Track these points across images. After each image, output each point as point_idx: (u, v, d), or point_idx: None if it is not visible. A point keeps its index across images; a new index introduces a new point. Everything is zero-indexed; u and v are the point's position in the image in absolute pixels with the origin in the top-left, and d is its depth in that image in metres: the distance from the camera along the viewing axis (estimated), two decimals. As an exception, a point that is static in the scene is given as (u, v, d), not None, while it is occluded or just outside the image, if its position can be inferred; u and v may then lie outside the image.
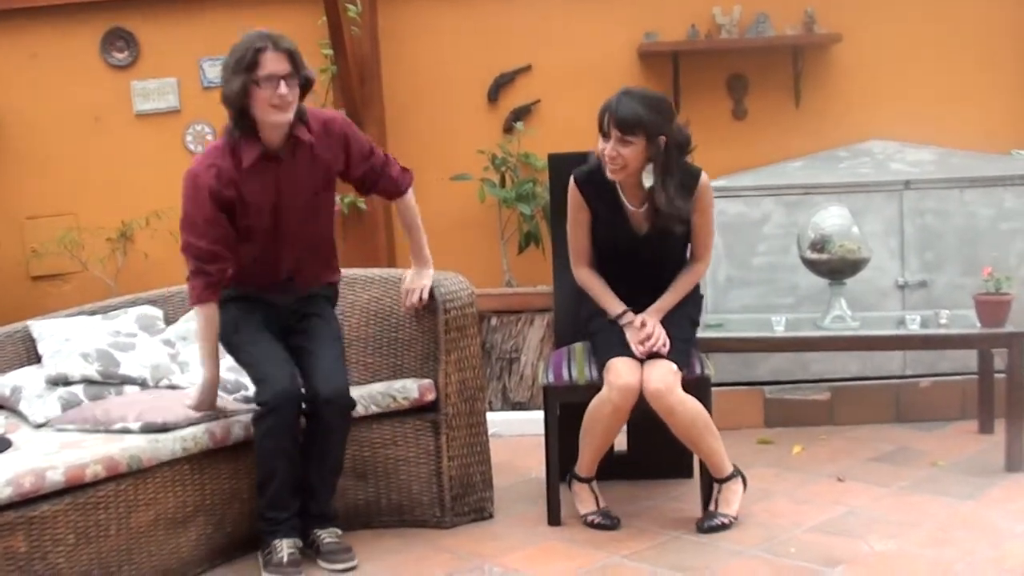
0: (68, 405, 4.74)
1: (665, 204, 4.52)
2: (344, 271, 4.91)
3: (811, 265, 5.49)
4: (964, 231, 6.22)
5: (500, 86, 7.00)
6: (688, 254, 4.81)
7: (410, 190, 4.91)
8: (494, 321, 6.63)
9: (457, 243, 6.92)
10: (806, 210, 5.82)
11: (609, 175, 4.58)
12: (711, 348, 5.26)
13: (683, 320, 4.72)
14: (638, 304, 4.68)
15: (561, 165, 5.31)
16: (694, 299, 4.84)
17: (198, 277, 4.39)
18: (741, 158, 6.71)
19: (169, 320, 5.40)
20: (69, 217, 7.11)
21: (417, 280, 4.85)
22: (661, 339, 4.53)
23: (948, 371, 6.22)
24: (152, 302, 5.47)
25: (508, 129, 6.93)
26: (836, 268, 5.43)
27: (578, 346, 4.97)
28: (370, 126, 6.83)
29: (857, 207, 5.86)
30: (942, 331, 5.38)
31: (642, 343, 4.53)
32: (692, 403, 4.50)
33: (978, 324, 5.34)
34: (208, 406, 4.50)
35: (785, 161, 6.70)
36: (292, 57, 4.32)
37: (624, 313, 4.67)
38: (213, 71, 7.03)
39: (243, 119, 4.31)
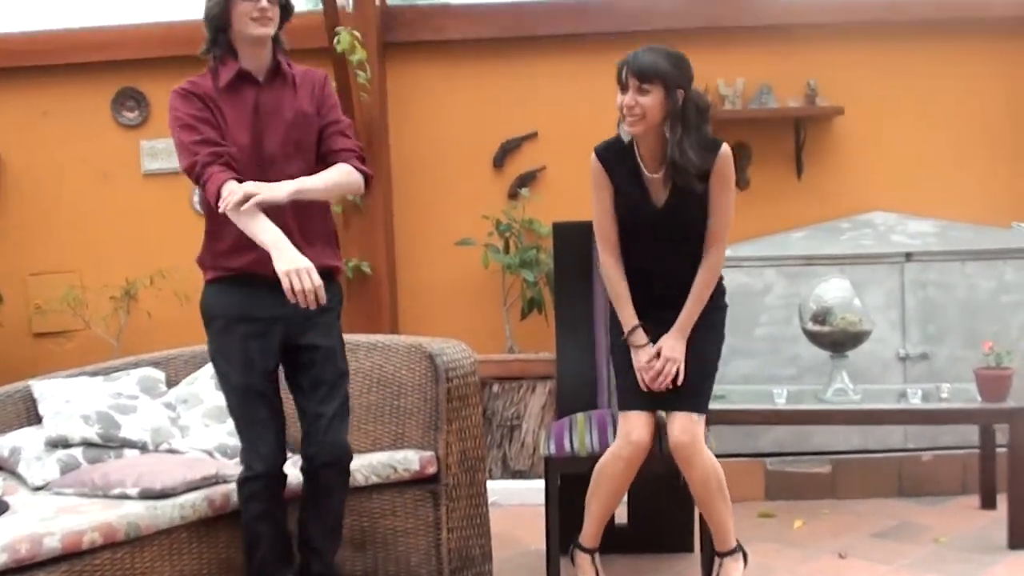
0: (67, 468, 4.72)
1: (679, 156, 4.44)
2: (347, 336, 4.89)
3: (813, 337, 5.50)
4: (965, 304, 6.24)
5: (506, 152, 7.05)
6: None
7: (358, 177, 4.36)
8: (496, 388, 6.63)
9: (460, 308, 6.95)
10: (808, 281, 5.83)
11: (627, 128, 4.51)
12: (712, 420, 5.24)
13: (706, 346, 4.63)
14: (661, 288, 4.62)
15: (565, 233, 5.33)
16: (717, 312, 4.71)
17: (207, 167, 4.05)
18: (743, 228, 6.72)
19: (171, 383, 5.39)
20: (73, 274, 7.12)
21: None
22: (671, 374, 4.49)
23: (950, 445, 6.22)
24: (155, 364, 5.47)
25: (513, 195, 6.96)
26: (838, 340, 5.45)
27: (580, 416, 4.97)
28: (377, 190, 6.86)
29: (859, 278, 5.87)
30: (944, 405, 5.39)
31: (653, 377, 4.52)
32: (712, 460, 4.50)
33: (979, 398, 5.34)
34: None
35: (787, 231, 6.73)
36: None
37: (634, 331, 4.61)
38: (220, 133, 7.07)
39: (222, 39, 4.23)
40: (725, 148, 4.53)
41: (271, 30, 4.22)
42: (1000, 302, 6.23)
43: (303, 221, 4.21)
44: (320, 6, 6.55)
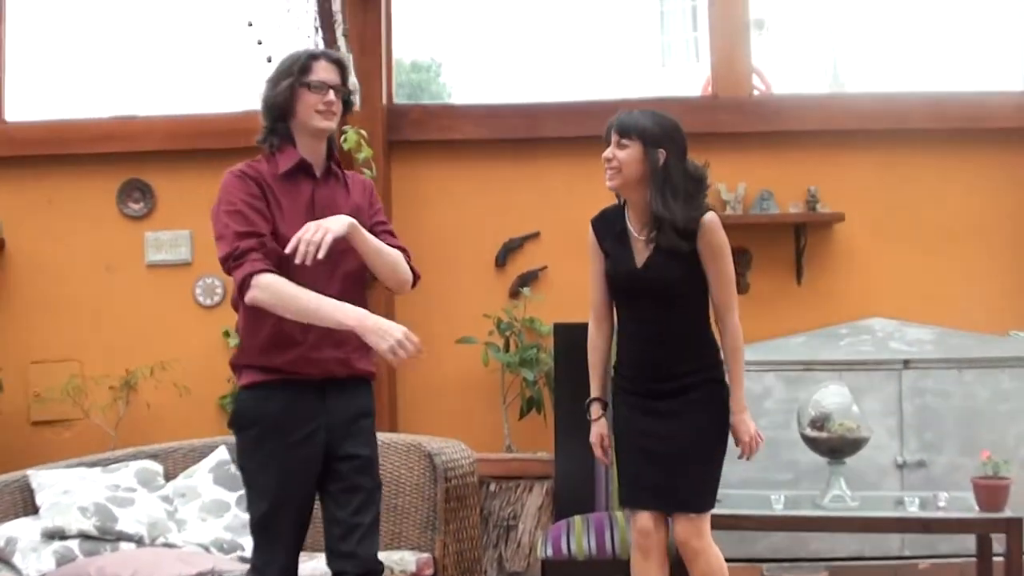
0: (63, 560, 4.72)
1: (661, 208, 4.43)
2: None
3: (811, 443, 5.50)
4: (963, 411, 6.25)
5: (508, 251, 7.09)
6: (700, 317, 4.68)
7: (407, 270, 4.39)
8: (493, 486, 6.61)
9: (459, 405, 6.96)
10: (807, 386, 5.85)
11: (606, 182, 4.54)
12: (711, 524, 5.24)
13: (704, 429, 4.61)
14: (647, 351, 4.59)
15: (566, 334, 5.37)
16: (715, 387, 4.67)
17: (247, 254, 3.89)
18: (743, 332, 6.77)
19: (169, 476, 5.41)
20: (74, 363, 7.13)
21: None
22: (758, 448, 4.69)
23: (947, 552, 6.19)
24: (153, 456, 5.49)
25: (514, 294, 7.00)
26: (836, 447, 5.45)
27: (577, 519, 4.97)
28: (378, 287, 6.80)
29: (857, 385, 5.89)
30: (941, 514, 5.37)
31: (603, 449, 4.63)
32: (716, 560, 4.51)
33: (976, 507, 5.33)
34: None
35: (786, 336, 6.76)
36: (342, 70, 4.21)
37: (592, 402, 4.71)
38: (225, 226, 7.13)
39: (282, 127, 4.14)
40: (711, 215, 4.53)
41: (334, 124, 4.20)
42: (998, 410, 6.24)
43: None
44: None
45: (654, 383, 4.58)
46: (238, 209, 3.95)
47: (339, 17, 6.02)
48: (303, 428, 3.99)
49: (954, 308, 6.94)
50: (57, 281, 7.28)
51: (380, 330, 3.82)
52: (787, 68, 15.52)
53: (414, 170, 7.17)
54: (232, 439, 5.42)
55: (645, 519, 4.54)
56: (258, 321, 3.96)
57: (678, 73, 22.36)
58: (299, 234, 3.80)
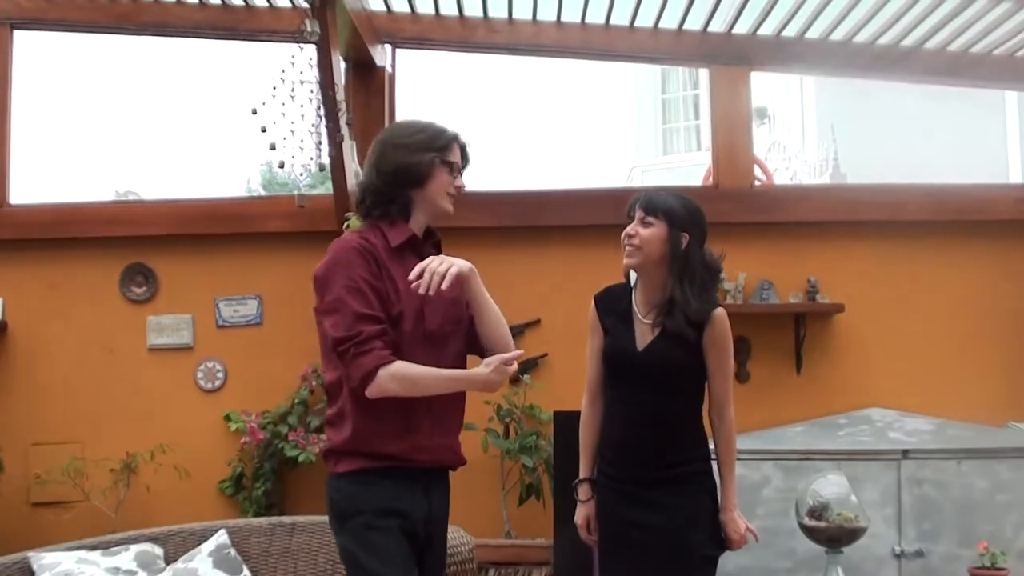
0: (63, 642, 4.73)
1: (679, 295, 4.39)
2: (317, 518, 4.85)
3: (809, 532, 5.51)
4: (961, 502, 6.25)
5: (508, 338, 7.11)
6: (693, 409, 4.54)
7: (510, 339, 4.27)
8: (492, 572, 6.60)
9: (458, 491, 6.83)
10: (805, 475, 5.86)
11: (624, 260, 4.48)
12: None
13: (701, 538, 4.48)
14: (636, 436, 4.46)
15: (566, 421, 5.39)
16: (703, 496, 4.53)
17: (371, 342, 3.76)
18: (743, 421, 6.70)
19: (169, 559, 5.40)
20: (75, 445, 7.14)
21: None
22: (744, 542, 4.54)
23: (944, 643, 6.19)
24: (153, 539, 5.49)
25: (515, 381, 7.01)
26: (833, 536, 5.44)
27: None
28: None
29: (855, 474, 5.91)
30: (938, 605, 5.40)
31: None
32: None
33: (974, 599, 5.35)
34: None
35: (786, 425, 6.78)
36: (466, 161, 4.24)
37: (581, 483, 4.62)
38: (228, 310, 7.20)
39: (404, 198, 4.04)
40: (721, 311, 4.48)
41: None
42: (996, 501, 6.24)
43: (441, 411, 4.00)
44: (331, 190, 6.70)
45: (642, 470, 4.46)
46: (359, 287, 3.81)
47: (343, 106, 6.10)
48: (413, 515, 3.90)
49: (953, 399, 6.99)
50: (59, 363, 7.32)
51: (495, 370, 3.87)
52: (788, 158, 15.66)
53: (416, 256, 7.21)
54: (233, 523, 5.48)
55: None
56: (376, 407, 3.81)
57: (680, 161, 22.51)
58: (424, 263, 3.81)
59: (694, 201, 4.58)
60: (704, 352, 4.46)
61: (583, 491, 4.61)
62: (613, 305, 4.62)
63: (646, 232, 4.43)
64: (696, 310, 4.39)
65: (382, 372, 3.71)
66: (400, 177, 3.99)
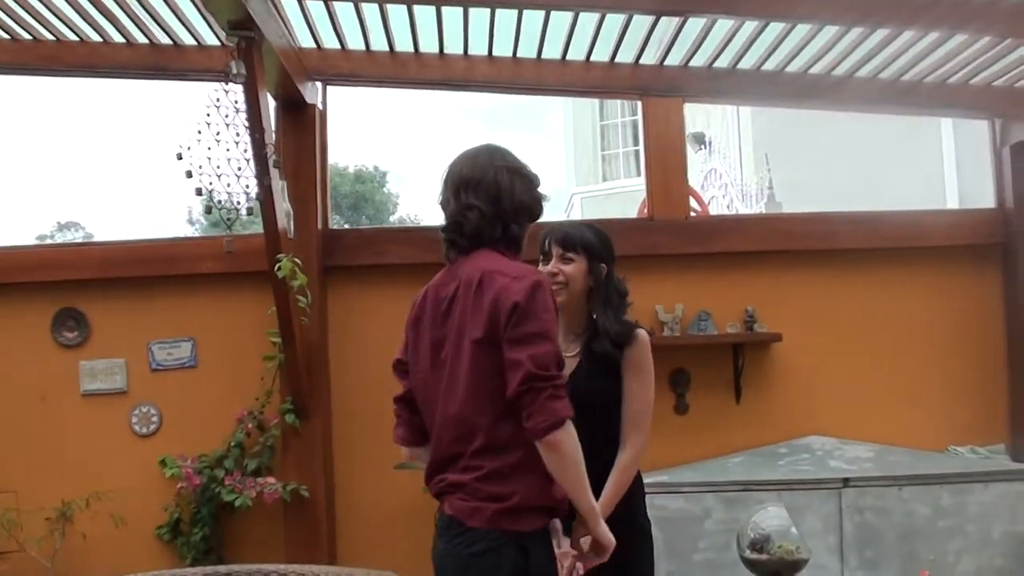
0: None
1: (603, 321, 4.39)
2: (281, 567, 4.84)
3: (751, 565, 5.47)
4: (903, 528, 6.29)
5: (446, 375, 7.06)
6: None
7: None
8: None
9: (400, 532, 6.90)
10: (746, 506, 5.85)
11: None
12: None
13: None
14: None
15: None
16: (643, 539, 4.52)
17: (563, 390, 3.58)
18: (683, 452, 6.78)
19: (103, 612, 5.33)
20: (9, 495, 7.00)
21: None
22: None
23: (889, 671, 6.19)
24: (87, 592, 5.41)
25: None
26: (775, 569, 5.40)
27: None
28: (316, 413, 6.88)
29: (797, 504, 5.92)
30: (881, 637, 5.39)
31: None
32: None
33: (918, 628, 5.35)
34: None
35: (726, 456, 6.77)
36: None
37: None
38: (162, 353, 7.11)
39: (522, 235, 3.90)
40: (643, 333, 4.48)
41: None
42: (937, 527, 6.28)
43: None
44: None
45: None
46: (555, 333, 3.70)
47: (270, 149, 6.04)
48: None
49: (892, 425, 7.02)
50: (-9, 411, 7.19)
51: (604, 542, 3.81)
52: (724, 185, 15.71)
53: (350, 294, 7.18)
54: (168, 573, 5.41)
55: None
56: (536, 452, 3.61)
57: (620, 187, 22.59)
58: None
59: (602, 230, 4.60)
60: (623, 374, 4.42)
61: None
62: None
63: (569, 268, 4.44)
64: (619, 332, 4.42)
65: (567, 425, 3.56)
66: (526, 212, 3.87)
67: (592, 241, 4.48)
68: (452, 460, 3.70)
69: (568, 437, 3.54)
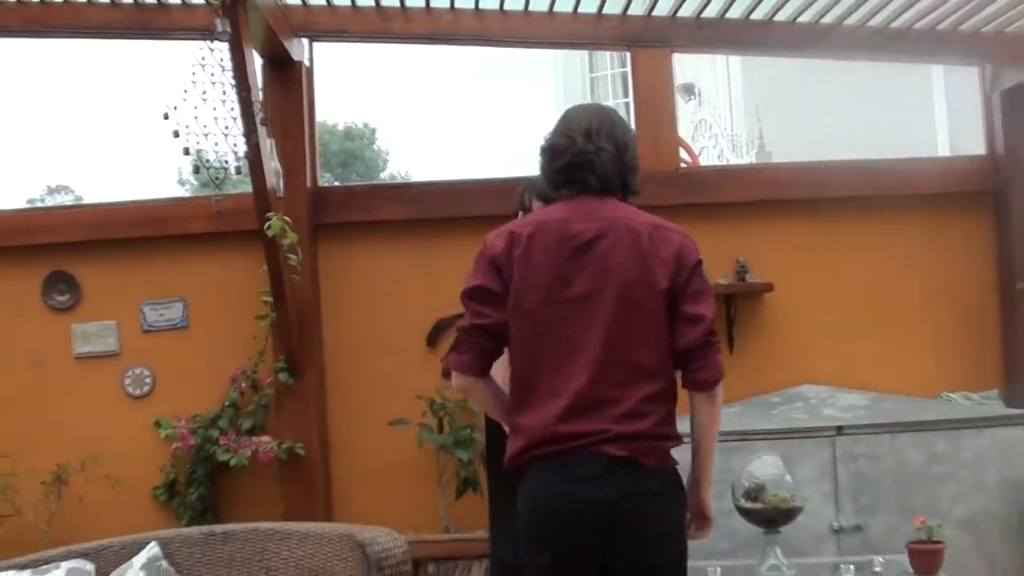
0: (-7, 665, 4.65)
1: None
2: (279, 524, 4.85)
3: (745, 514, 5.51)
4: (896, 475, 6.28)
5: (440, 331, 7.07)
6: None
7: None
8: (431, 567, 6.58)
9: (396, 488, 6.93)
10: (741, 456, 5.85)
11: None
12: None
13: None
14: None
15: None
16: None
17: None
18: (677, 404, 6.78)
19: (102, 574, 5.33)
20: (4, 460, 7.01)
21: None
22: None
23: (886, 616, 6.21)
24: (84, 555, 5.41)
25: (447, 374, 6.95)
26: (770, 517, 5.45)
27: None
28: (309, 371, 6.89)
29: (791, 452, 5.91)
30: (876, 582, 5.41)
31: None
32: None
33: (912, 572, 5.36)
34: None
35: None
36: None
37: None
38: (154, 314, 7.11)
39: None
40: None
41: None
42: (931, 473, 6.28)
43: None
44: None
45: None
46: None
47: (257, 106, 6.02)
48: None
49: (885, 373, 7.03)
50: (-16, 377, 7.19)
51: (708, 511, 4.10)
52: (714, 136, 15.70)
53: (341, 252, 7.17)
54: (164, 534, 5.44)
55: None
56: None
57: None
58: None
59: None
60: None
61: None
62: None
63: None
64: None
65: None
66: (635, 174, 4.01)
67: None
68: (611, 403, 3.75)
69: (721, 393, 3.88)
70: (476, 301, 3.86)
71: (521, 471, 3.88)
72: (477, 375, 3.89)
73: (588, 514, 3.71)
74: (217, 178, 6.10)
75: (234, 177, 6.34)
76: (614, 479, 3.70)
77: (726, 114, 16.57)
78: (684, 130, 12.87)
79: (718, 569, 5.50)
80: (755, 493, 5.46)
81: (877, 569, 5.45)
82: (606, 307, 3.75)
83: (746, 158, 14.31)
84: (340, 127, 32.58)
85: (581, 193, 3.91)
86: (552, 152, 3.99)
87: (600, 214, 3.86)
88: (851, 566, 5.48)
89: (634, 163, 3.97)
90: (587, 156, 3.89)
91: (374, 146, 34.43)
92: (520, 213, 4.54)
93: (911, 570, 5.36)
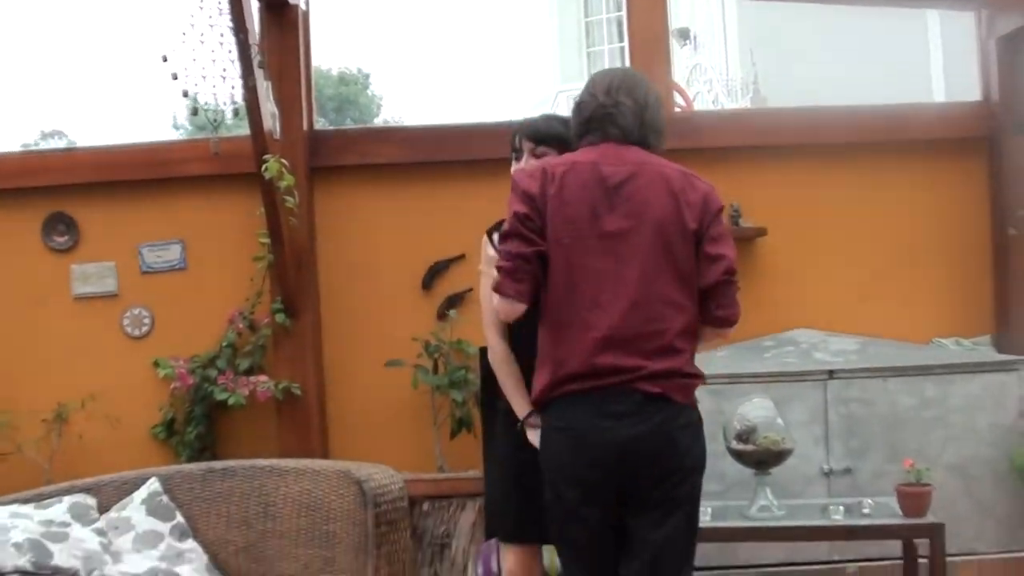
0: (0, 597, 4.73)
1: None
2: (277, 461, 4.92)
3: (737, 456, 5.59)
4: (887, 419, 6.35)
5: (435, 274, 7.11)
6: None
7: None
8: (426, 506, 6.66)
9: (391, 428, 6.99)
10: (732, 399, 5.93)
11: None
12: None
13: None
14: None
15: (491, 357, 5.39)
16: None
17: None
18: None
19: (103, 509, 5.40)
20: (4, 399, 7.05)
21: None
22: None
23: (875, 556, 6.27)
24: (86, 490, 5.48)
25: (442, 316, 7.02)
26: (761, 459, 5.53)
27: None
28: (306, 312, 6.94)
29: (782, 396, 5.99)
30: (865, 521, 5.48)
31: None
32: None
33: (901, 513, 5.44)
34: None
35: (711, 350, 6.83)
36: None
37: (531, 415, 4.34)
38: (152, 256, 7.14)
39: None
40: None
41: None
42: (922, 417, 6.35)
43: None
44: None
45: None
46: None
47: (254, 49, 6.04)
48: None
49: (877, 318, 7.06)
50: (-15, 316, 7.24)
51: None
52: (709, 80, 15.68)
53: (337, 195, 7.19)
54: (164, 470, 5.52)
55: (526, 554, 4.53)
56: None
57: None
58: None
59: (565, 118, 4.60)
60: None
61: (534, 420, 4.30)
62: None
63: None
64: None
65: None
66: (657, 135, 4.24)
67: (562, 133, 4.50)
68: (645, 337, 3.93)
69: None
70: (527, 228, 3.98)
71: (549, 406, 4.02)
72: (529, 304, 4.02)
73: (622, 450, 3.87)
74: (215, 120, 6.14)
75: (230, 121, 6.38)
76: (648, 415, 3.87)
77: (721, 59, 16.54)
78: (679, 75, 12.88)
79: (708, 509, 5.57)
80: (746, 435, 5.54)
81: (866, 511, 5.55)
82: (640, 244, 3.93)
83: (741, 102, 14.30)
84: (334, 72, 32.51)
85: (603, 141, 4.09)
86: (577, 109, 4.18)
87: (627, 158, 4.06)
88: (840, 507, 5.57)
89: (655, 123, 4.17)
90: (607, 109, 4.10)
91: (368, 91, 34.36)
92: (514, 156, 4.58)
93: (899, 511, 5.45)
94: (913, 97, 10.97)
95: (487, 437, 5.04)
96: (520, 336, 4.46)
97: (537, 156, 4.47)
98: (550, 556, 5.00)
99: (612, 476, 3.91)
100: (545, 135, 4.49)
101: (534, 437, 4.29)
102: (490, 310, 4.49)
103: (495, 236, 4.48)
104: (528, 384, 4.36)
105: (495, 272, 4.11)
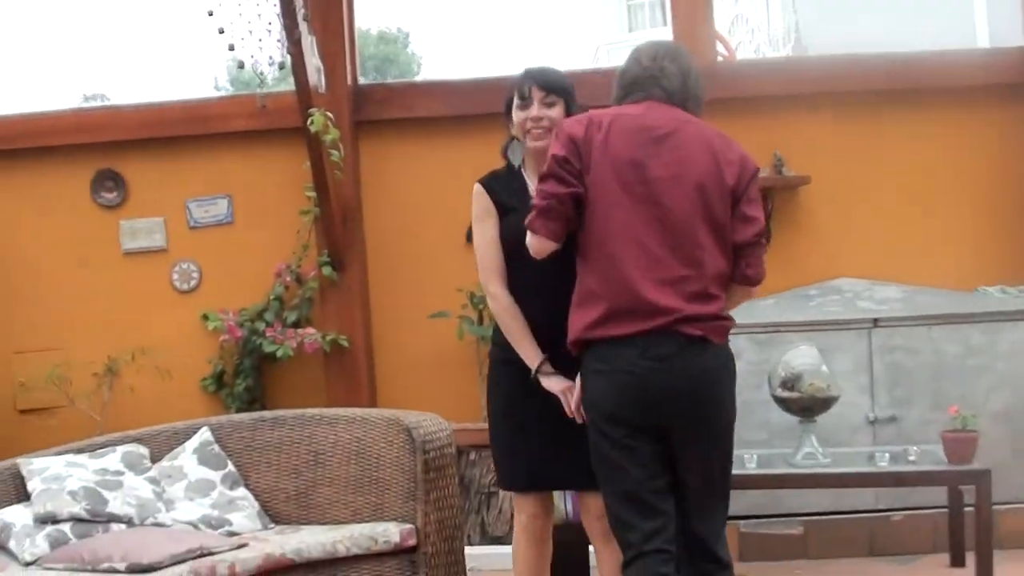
0: (56, 543, 4.78)
1: None
2: (327, 410, 4.95)
3: (782, 403, 5.60)
4: (932, 367, 6.35)
5: (478, 226, 7.13)
6: None
7: None
8: (473, 455, 6.72)
9: (436, 379, 7.04)
10: (777, 347, 5.95)
11: (531, 142, 4.45)
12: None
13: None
14: (552, 317, 4.23)
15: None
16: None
17: None
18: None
19: (155, 458, 5.45)
20: (57, 352, 7.17)
21: None
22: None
23: (920, 504, 6.29)
24: (138, 440, 5.53)
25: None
26: (807, 406, 5.54)
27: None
28: (352, 265, 7.01)
29: (827, 344, 5.99)
30: (911, 468, 5.50)
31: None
32: None
33: (946, 460, 5.45)
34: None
35: (756, 299, 6.83)
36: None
37: (544, 363, 4.33)
38: (199, 211, 7.22)
39: None
40: None
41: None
42: (967, 365, 6.34)
43: None
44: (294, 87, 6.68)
45: (551, 348, 4.34)
46: None
47: (299, 3, 6.07)
48: None
49: (922, 266, 7.03)
50: (35, 272, 7.36)
51: None
52: (751, 31, 15.60)
53: (382, 149, 7.25)
54: (215, 420, 5.57)
55: (538, 503, 4.51)
56: None
57: (646, 37, 22.38)
58: None
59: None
60: None
61: (548, 366, 4.33)
62: (505, 187, 4.58)
63: (552, 112, 4.45)
64: None
65: None
66: (697, 102, 4.26)
67: (568, 85, 4.54)
68: (685, 280, 3.99)
69: None
70: (565, 170, 4.04)
71: (589, 348, 4.07)
72: (559, 243, 4.09)
73: (668, 390, 3.96)
74: (261, 74, 6.18)
75: (277, 75, 6.41)
76: (691, 356, 3.96)
77: (763, 8, 16.43)
78: (721, 24, 12.81)
79: (755, 456, 5.61)
80: (792, 382, 5.55)
81: (911, 458, 5.57)
82: (681, 193, 4.00)
83: (783, 52, 14.21)
84: (374, 32, 32.48)
85: (647, 99, 4.16)
86: (622, 75, 4.27)
87: (670, 115, 4.12)
88: (886, 454, 5.59)
89: (696, 90, 4.23)
90: (651, 72, 4.18)
91: (408, 50, 34.33)
92: (519, 103, 4.56)
93: (945, 459, 5.46)
94: (956, 43, 10.88)
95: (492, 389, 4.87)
96: (518, 282, 4.47)
97: (547, 105, 4.47)
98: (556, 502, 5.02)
99: (658, 415, 3.99)
100: (556, 85, 4.50)
101: (550, 383, 4.32)
102: (487, 259, 4.56)
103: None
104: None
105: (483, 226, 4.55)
